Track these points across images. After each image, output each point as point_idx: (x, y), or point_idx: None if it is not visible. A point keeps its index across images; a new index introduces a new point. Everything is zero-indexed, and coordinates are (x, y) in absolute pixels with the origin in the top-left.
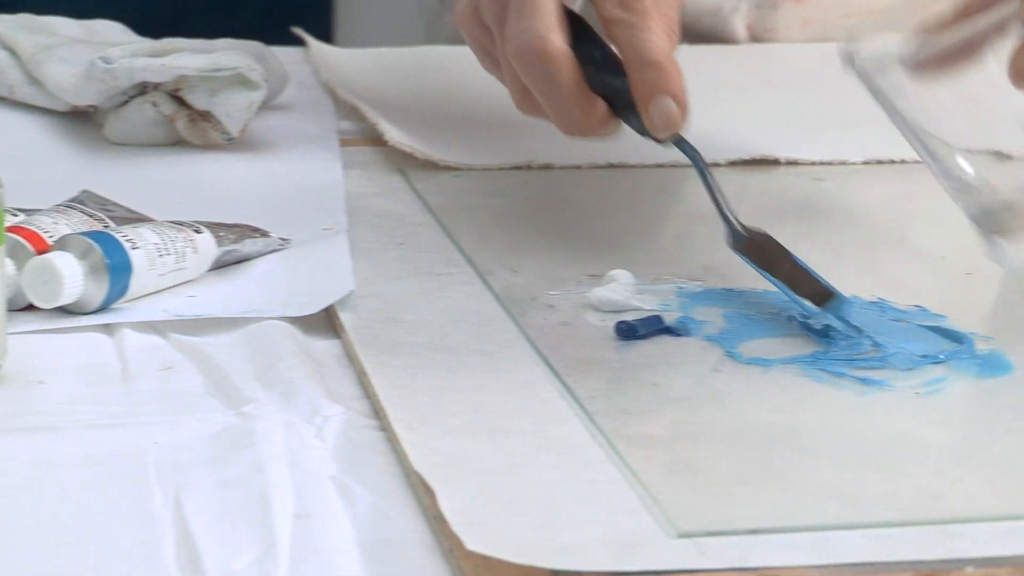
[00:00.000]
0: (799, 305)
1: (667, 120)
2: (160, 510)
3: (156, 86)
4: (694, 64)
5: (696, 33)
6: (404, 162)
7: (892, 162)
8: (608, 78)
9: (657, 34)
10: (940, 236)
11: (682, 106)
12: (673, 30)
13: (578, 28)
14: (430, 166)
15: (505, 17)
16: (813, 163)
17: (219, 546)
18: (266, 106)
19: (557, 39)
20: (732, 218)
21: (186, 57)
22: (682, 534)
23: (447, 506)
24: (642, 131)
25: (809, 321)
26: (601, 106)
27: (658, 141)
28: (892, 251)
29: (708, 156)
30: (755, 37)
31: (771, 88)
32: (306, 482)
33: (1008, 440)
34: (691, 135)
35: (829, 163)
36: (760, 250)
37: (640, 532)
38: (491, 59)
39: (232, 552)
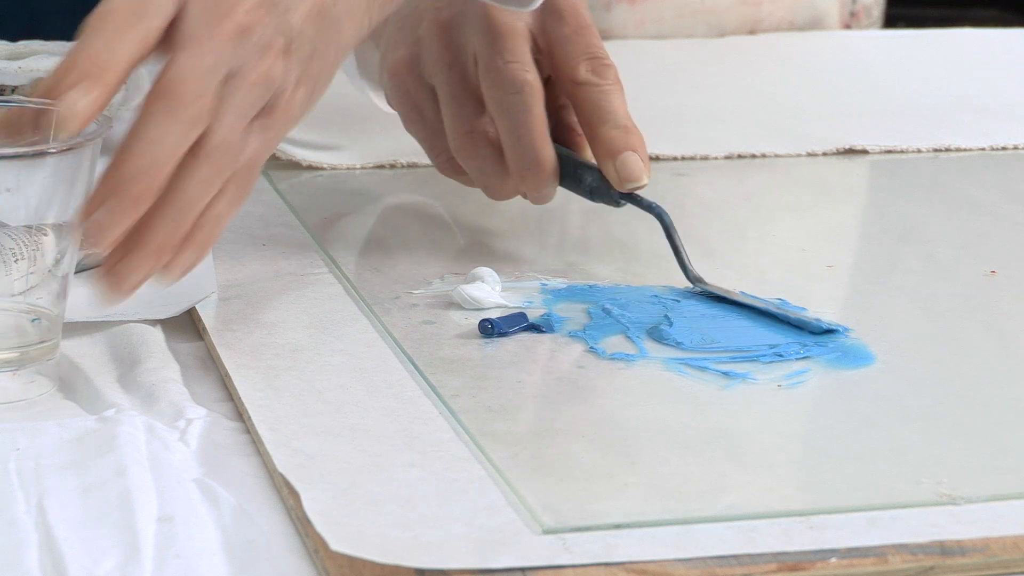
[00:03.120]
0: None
1: (633, 174)
2: (23, 516)
3: (13, 89)
4: None
5: None
6: (266, 163)
7: (753, 156)
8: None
9: (622, 99)
10: (800, 229)
11: (646, 164)
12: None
13: None
14: (292, 166)
15: (454, 56)
16: (675, 158)
17: (83, 551)
18: (126, 108)
19: (536, 77)
20: (692, 273)
21: (44, 59)
22: (547, 530)
23: (311, 507)
24: (589, 192)
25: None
26: (554, 153)
27: (613, 201)
28: (753, 244)
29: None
30: None
31: (630, 84)
32: (169, 485)
33: (870, 431)
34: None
35: (691, 158)
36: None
37: (505, 529)
38: (419, 114)
39: (96, 557)
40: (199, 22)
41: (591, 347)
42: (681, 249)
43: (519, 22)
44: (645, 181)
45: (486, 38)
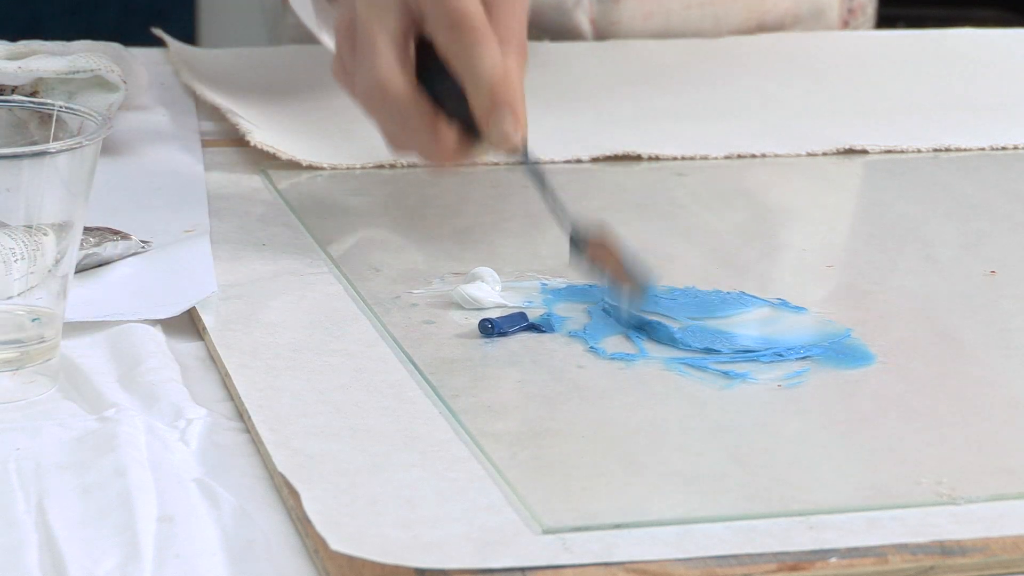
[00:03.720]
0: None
1: (505, 136)
2: (23, 516)
3: (13, 89)
4: (551, 63)
5: (541, 28)
6: (266, 162)
7: (753, 156)
8: (462, 106)
9: (487, 52)
10: (800, 229)
11: (517, 119)
12: (511, 41)
13: (434, 61)
14: (292, 166)
15: (352, 65)
16: (675, 158)
17: (83, 551)
18: (126, 107)
19: (396, 77)
20: (569, 221)
21: (44, 59)
22: (547, 530)
23: (311, 507)
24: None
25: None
26: (452, 134)
27: (511, 155)
28: (753, 244)
29: (571, 152)
30: (599, 31)
31: (632, 84)
32: (169, 485)
33: (870, 431)
34: (555, 132)
35: (691, 158)
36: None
37: (505, 528)
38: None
39: (96, 557)
40: None
41: (591, 347)
42: (553, 195)
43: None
44: (516, 140)
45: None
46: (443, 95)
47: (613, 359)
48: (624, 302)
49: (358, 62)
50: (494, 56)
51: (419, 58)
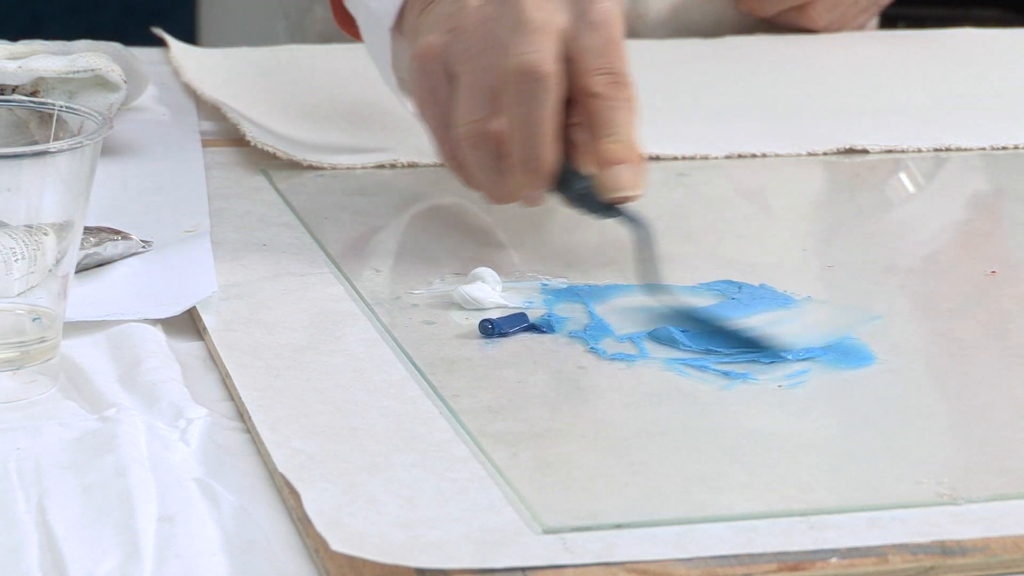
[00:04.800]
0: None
1: (626, 183)
2: (23, 515)
3: (13, 89)
4: None
5: None
6: (267, 162)
7: (753, 156)
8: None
9: (632, 115)
10: (801, 229)
11: (638, 179)
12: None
13: None
14: (293, 166)
15: (485, 47)
16: (675, 158)
17: (83, 551)
18: (126, 107)
19: (552, 61)
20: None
21: (44, 59)
22: (547, 530)
23: (311, 507)
24: (578, 198)
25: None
26: (559, 151)
27: (598, 210)
28: (753, 244)
29: None
30: (627, 22)
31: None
32: (170, 485)
33: (870, 431)
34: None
35: (691, 158)
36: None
37: (505, 528)
38: (434, 98)
39: (96, 556)
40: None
41: (591, 347)
42: (658, 265)
43: (553, 20)
44: (633, 192)
45: (516, 30)
46: None
47: (613, 359)
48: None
49: (509, 41)
50: (634, 120)
51: None
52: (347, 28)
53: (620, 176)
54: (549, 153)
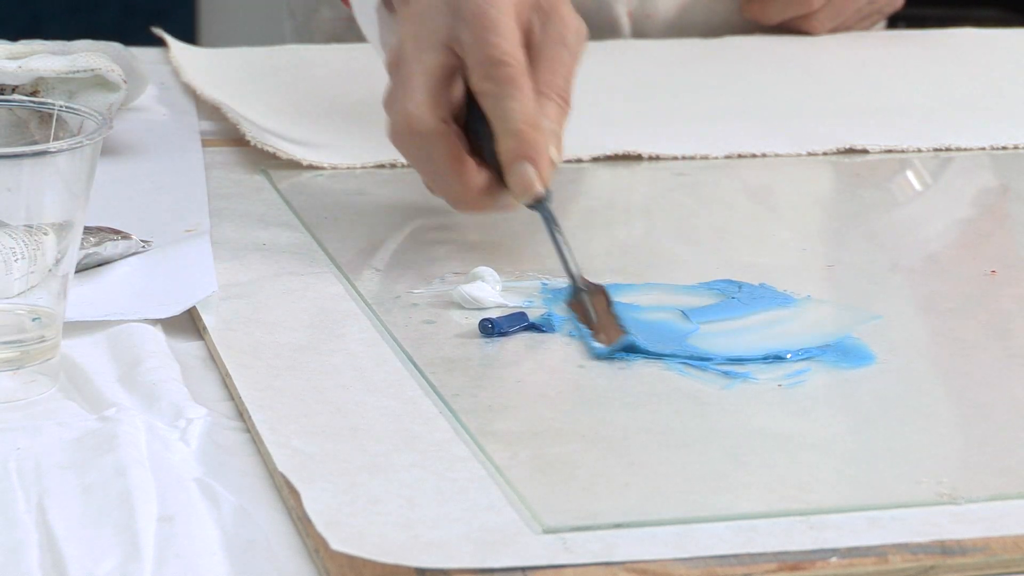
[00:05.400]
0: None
1: (524, 186)
2: (23, 515)
3: (13, 89)
4: None
5: None
6: (267, 162)
7: (753, 156)
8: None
9: (520, 101)
10: (800, 229)
11: (538, 171)
12: (550, 92)
13: (476, 105)
14: (293, 166)
15: (390, 100)
16: (675, 158)
17: (83, 551)
18: (126, 107)
19: (425, 113)
20: (575, 274)
21: (44, 59)
22: (547, 529)
23: (311, 507)
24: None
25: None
26: (481, 179)
27: (530, 207)
28: (753, 244)
29: (571, 152)
30: (635, 22)
31: (632, 84)
32: (170, 485)
33: (870, 431)
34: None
35: (691, 158)
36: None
37: (505, 528)
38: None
39: (96, 556)
40: None
41: (592, 348)
42: (566, 253)
43: (424, 51)
44: (539, 190)
45: (396, 78)
46: (483, 140)
47: (613, 359)
48: (597, 348)
49: (395, 97)
50: (526, 105)
51: (469, 102)
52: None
53: (515, 180)
54: (460, 187)
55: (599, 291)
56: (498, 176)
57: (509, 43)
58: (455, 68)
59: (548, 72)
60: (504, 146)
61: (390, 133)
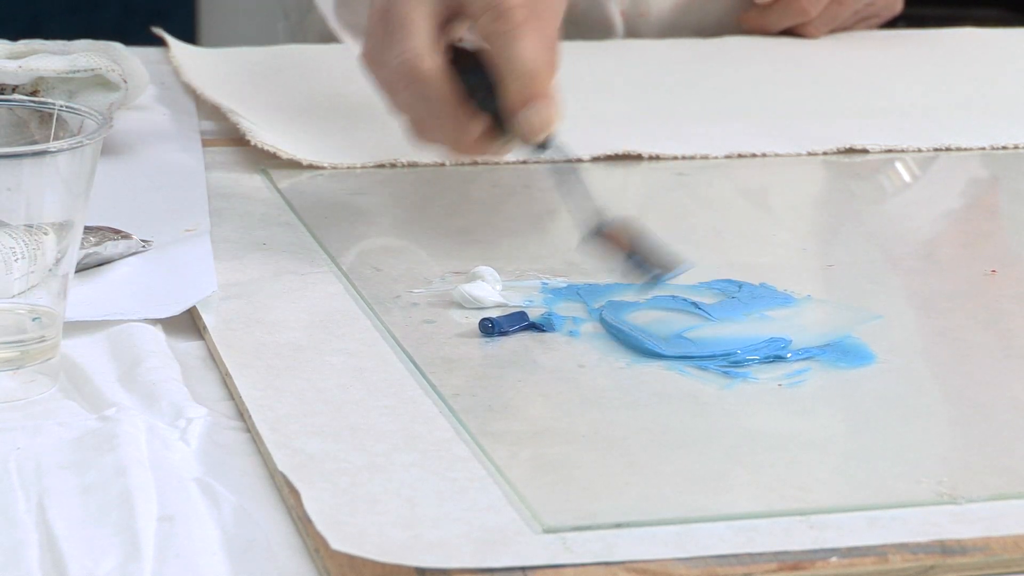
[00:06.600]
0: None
1: (542, 124)
2: (23, 515)
3: (13, 89)
4: (566, 62)
5: (571, 19)
6: (267, 162)
7: (753, 156)
8: (493, 99)
9: (529, 43)
10: (800, 229)
11: (552, 111)
12: (550, 38)
13: (469, 61)
14: (293, 165)
15: (377, 43)
16: (675, 157)
17: (83, 550)
18: (126, 107)
19: (429, 58)
20: (600, 207)
21: (44, 59)
22: (547, 529)
23: (312, 506)
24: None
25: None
26: (479, 123)
27: (536, 149)
28: (753, 244)
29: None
30: (629, 21)
31: (632, 84)
32: (170, 485)
33: (870, 430)
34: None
35: (691, 158)
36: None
37: (506, 528)
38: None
39: (96, 556)
40: None
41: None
42: (581, 183)
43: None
44: (550, 127)
45: (388, 28)
46: (474, 88)
47: (613, 359)
48: (642, 277)
49: (390, 43)
50: (536, 47)
51: (451, 56)
52: None
53: (527, 119)
54: (458, 131)
55: (629, 223)
56: (492, 126)
57: None
58: (453, 14)
59: (543, 19)
60: (514, 88)
61: (382, 81)
